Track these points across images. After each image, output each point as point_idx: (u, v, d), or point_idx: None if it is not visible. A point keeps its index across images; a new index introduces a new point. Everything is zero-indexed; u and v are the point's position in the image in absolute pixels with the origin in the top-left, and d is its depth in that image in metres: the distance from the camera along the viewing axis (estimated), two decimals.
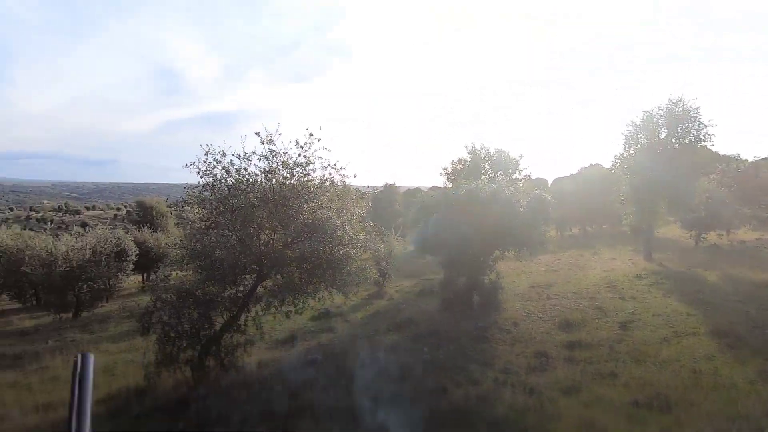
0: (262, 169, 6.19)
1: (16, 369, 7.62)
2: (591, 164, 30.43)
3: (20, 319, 15.33)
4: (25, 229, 29.87)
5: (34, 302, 20.53)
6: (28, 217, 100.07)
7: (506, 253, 9.59)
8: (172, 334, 5.85)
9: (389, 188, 29.96)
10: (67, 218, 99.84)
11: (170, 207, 32.99)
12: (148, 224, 26.77)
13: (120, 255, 16.77)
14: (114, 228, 22.99)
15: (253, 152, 6.16)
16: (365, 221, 6.86)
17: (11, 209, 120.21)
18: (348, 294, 6.85)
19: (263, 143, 6.01)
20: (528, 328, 7.75)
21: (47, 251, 13.77)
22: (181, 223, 18.48)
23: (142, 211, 29.82)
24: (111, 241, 15.51)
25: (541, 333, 7.44)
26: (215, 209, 6.31)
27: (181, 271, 7.54)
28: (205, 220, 6.63)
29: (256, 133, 5.96)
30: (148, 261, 22.51)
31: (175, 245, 23.90)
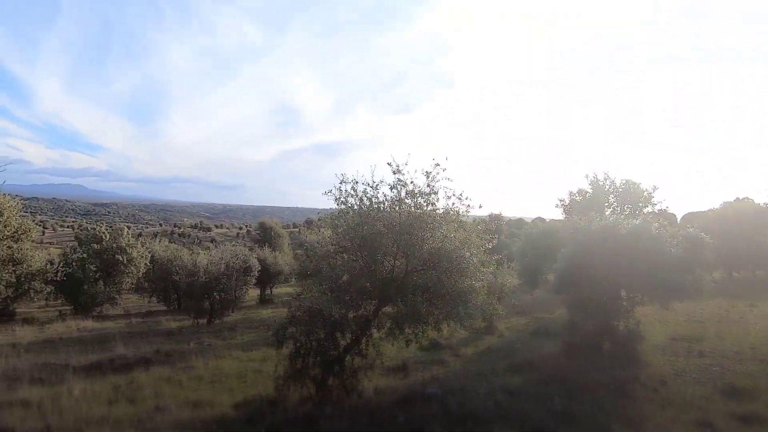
0: (390, 198, 6.40)
1: (167, 365, 8.72)
2: (737, 198, 25.93)
3: (167, 321, 17.85)
4: (170, 243, 35.12)
5: (176, 306, 23.88)
6: (172, 232, 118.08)
7: (643, 297, 8.44)
8: (302, 351, 6.19)
9: (495, 218, 28.99)
10: (201, 234, 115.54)
11: (285, 228, 36.41)
12: (267, 243, 29.76)
13: (246, 270, 18.68)
14: (237, 245, 25.90)
15: (382, 181, 6.42)
16: (491, 254, 6.63)
17: (160, 224, 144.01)
18: (468, 328, 6.60)
19: (394, 173, 6.23)
20: (680, 389, 6.58)
21: (192, 263, 15.88)
22: (304, 245, 20.12)
23: (262, 231, 33.20)
24: (240, 257, 17.38)
25: (699, 398, 6.24)
26: (346, 235, 6.65)
27: (299, 288, 8.01)
28: (335, 244, 7.02)
29: (388, 164, 6.21)
30: (266, 277, 24.78)
31: (291, 264, 25.69)
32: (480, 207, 6.52)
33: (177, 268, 22.55)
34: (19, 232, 8.46)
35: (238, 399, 6.37)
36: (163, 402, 6.29)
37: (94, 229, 23.54)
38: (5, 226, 7.92)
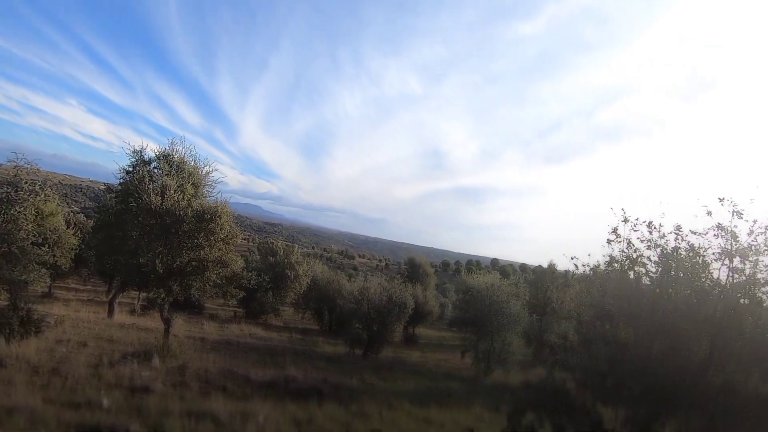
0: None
1: (339, 404, 7.75)
2: None
3: (322, 342, 17.90)
4: (322, 266, 37.17)
5: (328, 328, 24.42)
6: (321, 255, 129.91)
7: None
8: None
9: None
10: (345, 261, 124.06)
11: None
12: (416, 281, 28.91)
13: (401, 306, 17.75)
14: (382, 277, 25.54)
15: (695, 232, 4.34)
16: None
17: (312, 248, 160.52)
18: None
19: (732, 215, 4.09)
20: None
21: (359, 290, 15.55)
22: (469, 291, 18.56)
23: (411, 267, 32.63)
24: (400, 291, 16.52)
25: None
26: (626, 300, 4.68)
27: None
28: (595, 307, 5.11)
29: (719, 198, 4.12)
30: (414, 315, 23.66)
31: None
32: None
33: (337, 292, 23.19)
34: (229, 237, 8.71)
35: None
36: None
37: (273, 243, 26.14)
38: (221, 229, 8.14)
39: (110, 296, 14.62)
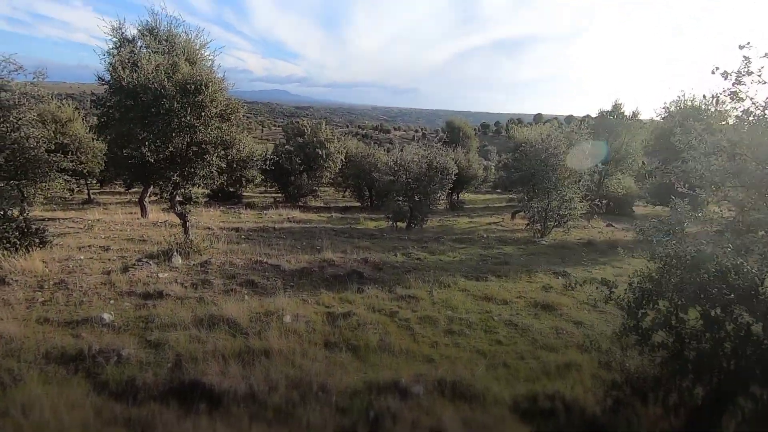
0: None
1: (383, 287, 6.77)
2: None
3: (364, 219, 17.23)
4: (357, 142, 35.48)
5: (369, 203, 23.85)
6: (356, 133, 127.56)
7: None
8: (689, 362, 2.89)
9: None
10: (381, 136, 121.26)
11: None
12: (456, 145, 26.74)
13: (444, 172, 16.17)
14: (423, 146, 23.56)
15: None
16: None
17: (347, 126, 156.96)
18: None
19: None
20: None
21: (394, 160, 13.98)
22: (521, 146, 16.40)
23: (450, 131, 30.17)
24: (441, 156, 14.78)
25: None
26: None
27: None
28: None
29: None
30: (458, 181, 22.23)
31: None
32: None
33: (374, 166, 21.87)
34: (228, 111, 6.96)
35: (519, 391, 3.66)
36: (395, 366, 4.07)
37: (298, 122, 24.37)
38: (212, 102, 6.36)
39: (139, 195, 14.08)
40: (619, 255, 8.93)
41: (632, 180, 19.50)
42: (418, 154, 13.97)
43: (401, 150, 15.03)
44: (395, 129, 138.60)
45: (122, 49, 8.88)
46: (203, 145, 7.29)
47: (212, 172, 7.78)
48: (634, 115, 17.43)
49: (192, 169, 7.56)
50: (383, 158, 20.89)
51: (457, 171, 17.97)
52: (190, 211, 8.54)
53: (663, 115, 12.50)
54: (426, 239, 12.00)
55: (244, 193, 24.90)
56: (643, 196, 20.90)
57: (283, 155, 21.10)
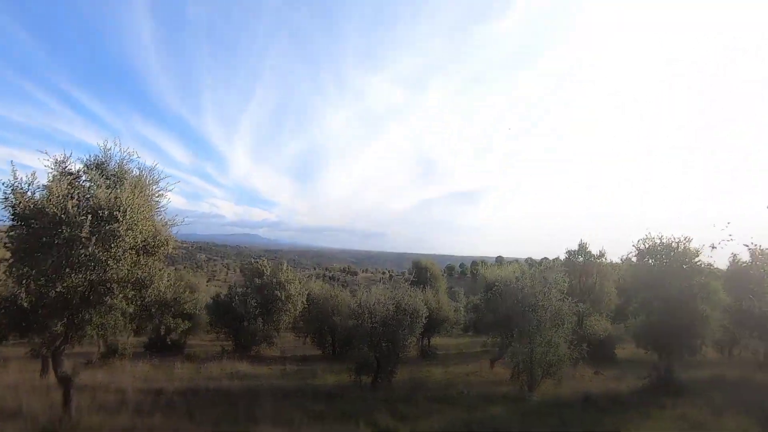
0: None
1: None
2: None
3: (322, 371, 14.75)
4: (323, 284, 34.05)
5: (332, 351, 21.20)
6: (324, 275, 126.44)
7: None
8: None
9: None
10: (348, 278, 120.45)
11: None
12: (423, 285, 25.72)
13: (413, 315, 14.73)
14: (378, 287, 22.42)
15: None
16: None
17: (314, 269, 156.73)
18: None
19: None
20: None
21: (357, 302, 12.57)
22: (494, 286, 15.53)
23: (417, 272, 29.53)
24: (409, 297, 13.52)
25: None
26: None
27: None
28: None
29: None
30: (428, 324, 20.53)
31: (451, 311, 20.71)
32: None
33: (336, 308, 20.05)
34: (154, 245, 5.71)
35: None
36: None
37: (257, 262, 23.06)
38: (128, 231, 5.12)
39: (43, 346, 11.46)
40: (627, 413, 7.42)
41: (609, 322, 18.61)
42: (384, 295, 12.65)
43: (368, 291, 13.72)
44: (363, 271, 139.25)
45: (60, 182, 7.92)
46: (108, 284, 5.75)
47: (116, 318, 6.07)
48: (601, 254, 17.64)
49: (85, 316, 5.81)
50: (347, 299, 19.38)
51: (427, 313, 16.58)
52: (78, 374, 6.43)
53: (634, 254, 12.35)
54: (396, 398, 9.87)
55: (191, 342, 21.82)
56: (623, 338, 19.73)
57: (236, 297, 19.14)
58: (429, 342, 24.82)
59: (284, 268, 21.96)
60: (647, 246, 12.22)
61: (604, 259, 17.60)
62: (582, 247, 18.13)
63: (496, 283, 14.66)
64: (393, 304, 12.12)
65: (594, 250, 18.51)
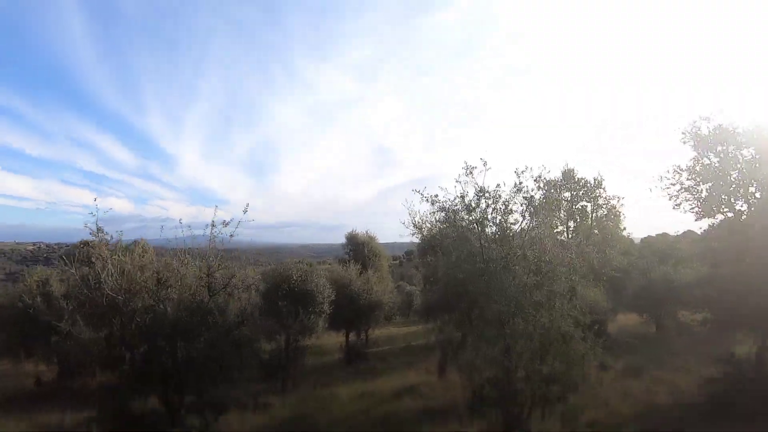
0: None
1: None
2: None
3: None
4: None
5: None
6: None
7: None
8: None
9: None
10: None
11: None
12: (360, 264, 19.13)
13: (306, 297, 8.39)
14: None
15: None
16: None
17: (270, 266, 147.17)
18: None
19: None
20: None
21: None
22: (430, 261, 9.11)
23: (351, 247, 22.92)
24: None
25: None
26: None
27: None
28: None
29: None
30: (353, 313, 14.08)
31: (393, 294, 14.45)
32: None
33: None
34: None
35: None
36: None
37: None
38: None
39: None
40: None
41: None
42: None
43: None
44: (319, 263, 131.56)
45: None
46: None
47: None
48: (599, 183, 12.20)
49: None
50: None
51: (331, 295, 10.21)
52: None
53: None
54: None
55: None
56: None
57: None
58: (367, 337, 18.53)
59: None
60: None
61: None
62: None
63: (446, 239, 8.28)
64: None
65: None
